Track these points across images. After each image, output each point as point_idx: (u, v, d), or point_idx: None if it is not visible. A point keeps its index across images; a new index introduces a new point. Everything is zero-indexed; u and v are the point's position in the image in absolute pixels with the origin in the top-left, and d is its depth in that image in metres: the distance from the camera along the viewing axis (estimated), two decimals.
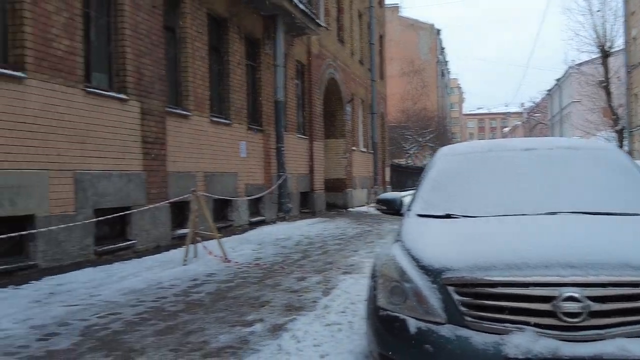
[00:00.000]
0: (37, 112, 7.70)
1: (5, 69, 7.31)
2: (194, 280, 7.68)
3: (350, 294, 6.38)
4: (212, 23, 12.97)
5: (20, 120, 7.42)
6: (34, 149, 7.64)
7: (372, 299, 3.59)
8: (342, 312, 5.57)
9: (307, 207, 18.70)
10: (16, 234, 7.03)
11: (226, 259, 9.13)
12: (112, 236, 9.45)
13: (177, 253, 9.82)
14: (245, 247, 10.87)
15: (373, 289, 3.62)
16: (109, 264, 8.67)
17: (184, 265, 8.76)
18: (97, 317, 5.65)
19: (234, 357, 4.41)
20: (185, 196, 9.88)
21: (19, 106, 7.42)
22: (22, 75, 7.47)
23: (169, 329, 5.25)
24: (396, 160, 41.18)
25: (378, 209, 5.05)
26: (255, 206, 14.87)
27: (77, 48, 8.43)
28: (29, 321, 5.44)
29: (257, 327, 5.26)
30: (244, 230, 13.41)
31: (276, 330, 5.12)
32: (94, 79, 9.11)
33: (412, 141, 51.00)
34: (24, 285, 7.02)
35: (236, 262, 9.03)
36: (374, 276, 3.72)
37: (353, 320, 5.21)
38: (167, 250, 10.20)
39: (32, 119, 7.60)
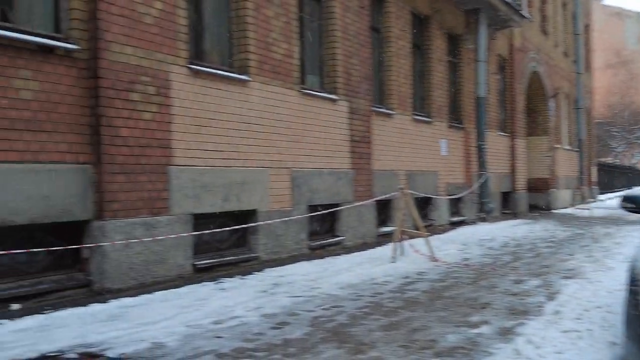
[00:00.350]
0: (259, 113, 8.16)
1: (231, 72, 7.84)
2: (406, 277, 7.64)
3: (581, 300, 5.92)
4: (415, 21, 12.91)
5: (244, 120, 7.91)
6: (257, 147, 8.10)
7: (635, 305, 3.23)
8: (578, 319, 5.17)
9: (507, 207, 17.95)
10: (245, 225, 7.54)
11: (434, 258, 8.99)
12: (323, 232, 9.76)
13: (382, 250, 9.88)
14: (450, 246, 10.64)
15: (635, 294, 3.26)
16: (321, 258, 8.94)
17: (392, 262, 8.76)
18: (322, 309, 5.80)
19: (467, 358, 4.26)
20: (393, 194, 9.91)
21: (243, 107, 7.91)
22: (247, 78, 7.95)
23: (393, 324, 5.23)
24: (602, 159, 38.19)
25: (623, 207, 4.61)
26: (455, 206, 14.57)
27: (293, 51, 8.82)
28: (260, 310, 5.73)
29: (484, 329, 5.05)
30: (445, 230, 13.17)
31: (505, 333, 4.88)
32: (307, 81, 9.47)
33: (619, 138, 46.99)
34: (248, 276, 7.46)
35: (444, 262, 8.85)
36: (634, 280, 3.35)
37: (592, 328, 4.81)
38: (373, 247, 10.30)
39: (255, 120, 8.07)
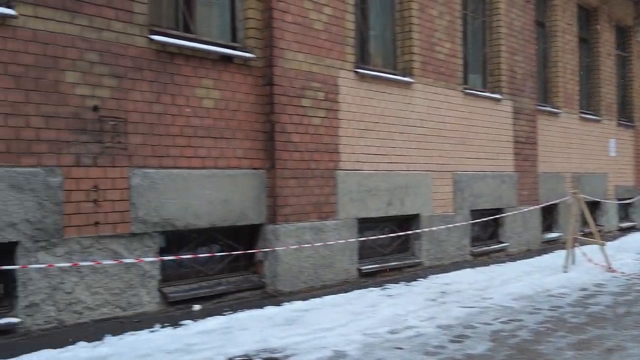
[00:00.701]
0: (422, 115, 7.98)
1: (395, 74, 7.72)
2: (583, 289, 7.11)
3: None
4: (581, 13, 12.12)
5: (408, 123, 7.76)
6: (419, 150, 7.93)
7: None
8: None
9: None
10: (411, 232, 7.41)
11: (610, 268, 8.32)
12: (485, 238, 9.39)
13: (549, 258, 9.34)
14: (625, 255, 9.81)
15: None
16: (485, 265, 8.61)
17: (565, 272, 8.21)
18: (500, 322, 5.51)
19: None
20: (565, 198, 9.33)
21: (407, 110, 7.76)
22: (410, 80, 7.80)
23: (583, 343, 4.84)
24: None
25: None
26: (624, 210, 13.51)
27: (456, 50, 8.55)
28: (434, 320, 5.55)
29: None
30: (614, 237, 12.23)
31: None
32: (470, 80, 9.15)
33: None
34: (413, 282, 7.30)
35: (622, 272, 8.16)
36: None
37: None
38: (538, 254, 9.77)
39: (418, 122, 7.90)
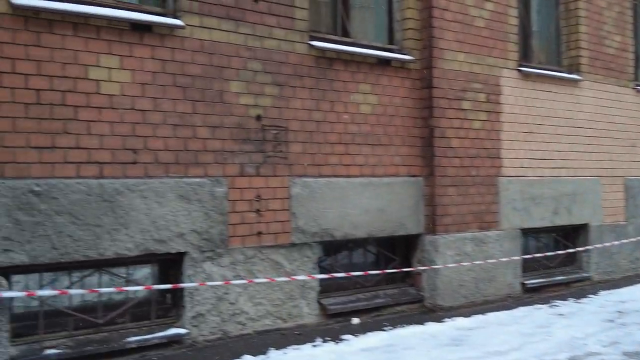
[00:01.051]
0: (590, 115, 7.34)
1: (560, 72, 7.14)
2: None
3: None
4: None
5: (575, 125, 7.17)
6: (587, 154, 7.29)
7: None
8: None
9: None
10: (590, 247, 6.88)
11: None
12: None
13: None
14: None
15: None
16: None
17: None
18: None
19: None
20: None
21: (573, 110, 7.16)
22: (577, 77, 7.19)
23: None
24: None
25: None
26: None
27: (627, 44, 7.80)
28: (618, 346, 4.96)
29: None
30: None
31: None
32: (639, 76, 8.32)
33: None
34: (583, 299, 6.69)
35: None
36: None
37: None
38: None
39: (586, 123, 7.27)
